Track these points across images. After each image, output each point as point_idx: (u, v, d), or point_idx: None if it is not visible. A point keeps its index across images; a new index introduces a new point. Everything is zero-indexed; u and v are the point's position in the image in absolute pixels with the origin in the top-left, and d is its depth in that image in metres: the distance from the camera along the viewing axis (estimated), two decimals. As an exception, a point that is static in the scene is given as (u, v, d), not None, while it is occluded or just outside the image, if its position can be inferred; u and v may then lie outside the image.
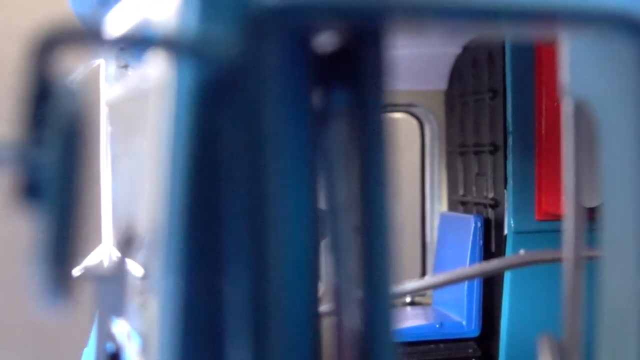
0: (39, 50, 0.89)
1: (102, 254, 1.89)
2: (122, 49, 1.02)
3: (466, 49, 2.85)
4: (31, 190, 0.90)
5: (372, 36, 0.99)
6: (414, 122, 3.05)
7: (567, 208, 1.27)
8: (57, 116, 0.89)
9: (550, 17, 1.03)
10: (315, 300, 1.00)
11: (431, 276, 2.33)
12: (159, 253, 1.01)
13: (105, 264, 1.85)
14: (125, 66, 2.01)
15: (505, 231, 2.59)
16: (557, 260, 1.51)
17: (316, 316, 1.00)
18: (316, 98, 0.99)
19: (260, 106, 0.94)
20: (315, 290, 1.00)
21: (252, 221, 0.96)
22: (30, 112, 0.90)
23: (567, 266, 1.27)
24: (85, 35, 0.93)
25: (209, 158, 0.95)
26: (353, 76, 0.99)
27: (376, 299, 1.01)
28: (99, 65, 1.98)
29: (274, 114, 0.95)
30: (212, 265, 0.97)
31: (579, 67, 1.16)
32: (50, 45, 0.89)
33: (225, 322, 0.96)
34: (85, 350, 2.22)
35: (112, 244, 1.89)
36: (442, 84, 2.97)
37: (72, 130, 0.90)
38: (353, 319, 1.01)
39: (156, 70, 1.03)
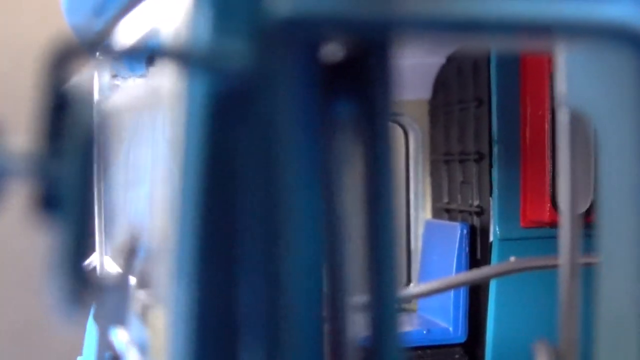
0: (55, 63, 0.90)
1: (95, 262, 1.89)
2: (117, 60, 1.03)
3: (451, 59, 2.88)
4: (47, 201, 0.91)
5: (378, 47, 1.01)
6: (399, 130, 3.08)
7: (563, 215, 1.30)
8: (74, 128, 0.90)
9: (550, 29, 1.06)
10: (322, 307, 1.02)
11: (430, 282, 2.36)
12: (169, 262, 1.02)
13: (99, 272, 1.85)
14: (115, 75, 2.01)
15: (491, 238, 2.63)
16: (551, 267, 1.53)
17: (323, 323, 1.02)
18: (325, 108, 1.00)
19: (272, 117, 0.96)
20: (322, 297, 1.02)
21: (265, 229, 0.97)
22: (47, 124, 0.91)
23: (563, 272, 1.30)
24: (99, 47, 0.95)
25: (221, 168, 0.97)
26: (360, 86, 1.01)
27: (384, 305, 1.03)
28: (92, 76, 1.98)
29: (285, 124, 0.97)
30: (226, 274, 0.98)
31: (576, 78, 1.19)
32: (66, 57, 0.90)
33: (238, 330, 0.97)
34: (79, 358, 2.22)
35: (107, 253, 1.90)
36: (426, 94, 3.01)
37: (88, 142, 0.91)
38: (352, 327, 1.02)
39: (165, 81, 1.04)
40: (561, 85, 1.21)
